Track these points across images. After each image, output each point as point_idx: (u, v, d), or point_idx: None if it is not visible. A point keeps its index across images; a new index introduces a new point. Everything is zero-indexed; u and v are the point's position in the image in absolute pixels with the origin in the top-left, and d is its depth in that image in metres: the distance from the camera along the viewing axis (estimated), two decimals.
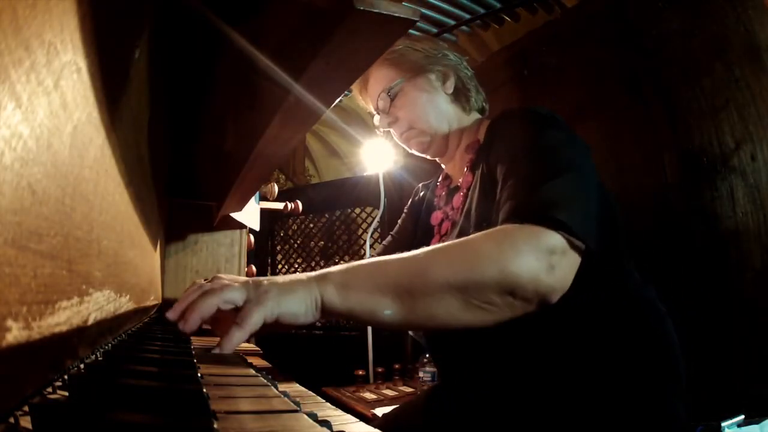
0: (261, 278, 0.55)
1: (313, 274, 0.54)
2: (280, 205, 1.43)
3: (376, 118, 0.88)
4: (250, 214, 1.23)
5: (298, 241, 2.38)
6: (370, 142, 1.92)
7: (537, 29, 1.47)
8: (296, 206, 1.46)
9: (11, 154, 0.21)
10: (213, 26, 0.58)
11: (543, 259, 0.51)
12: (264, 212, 1.39)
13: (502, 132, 0.71)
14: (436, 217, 0.87)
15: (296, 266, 2.35)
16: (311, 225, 2.35)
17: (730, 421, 0.55)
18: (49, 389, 0.28)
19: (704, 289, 0.96)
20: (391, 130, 0.87)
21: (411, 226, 0.96)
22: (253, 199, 1.20)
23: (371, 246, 1.91)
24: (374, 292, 0.52)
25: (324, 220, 2.32)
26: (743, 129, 0.96)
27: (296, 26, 0.46)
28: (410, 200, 1.01)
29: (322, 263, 2.31)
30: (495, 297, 0.51)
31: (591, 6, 1.28)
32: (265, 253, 2.39)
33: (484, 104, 0.90)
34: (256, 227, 1.32)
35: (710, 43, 1.01)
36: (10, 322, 0.21)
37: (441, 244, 0.56)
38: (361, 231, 2.23)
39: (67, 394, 0.28)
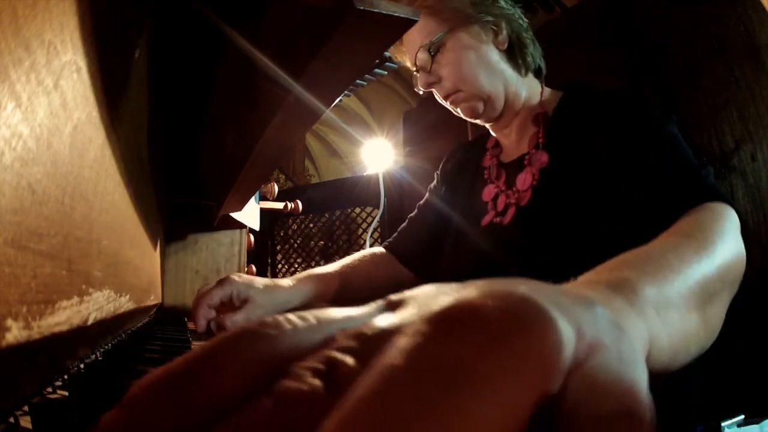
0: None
1: (586, 286, 0.26)
2: (280, 205, 1.43)
3: (416, 77, 0.75)
4: (250, 214, 1.23)
5: (298, 241, 2.38)
6: (370, 142, 1.92)
7: (537, 29, 1.47)
8: (296, 206, 1.46)
9: (11, 154, 0.21)
10: (213, 26, 0.58)
11: None
12: (264, 212, 1.39)
13: (609, 116, 0.63)
14: (489, 192, 0.74)
15: (296, 266, 2.36)
16: (311, 225, 2.35)
17: (730, 421, 0.55)
18: (49, 389, 0.28)
19: None
20: (434, 91, 0.74)
21: (438, 199, 0.85)
22: (253, 199, 1.20)
23: (371, 246, 1.91)
24: (688, 310, 0.31)
25: (324, 220, 2.32)
26: (743, 129, 0.96)
27: (296, 26, 0.46)
28: (442, 165, 0.89)
29: (322, 263, 2.31)
30: (736, 284, 0.42)
31: (591, 6, 1.28)
32: (265, 253, 2.39)
33: (540, 62, 0.76)
34: (256, 227, 1.32)
35: (710, 43, 1.01)
36: (10, 322, 0.21)
37: (690, 227, 0.43)
38: (361, 231, 2.23)
39: (67, 394, 0.28)
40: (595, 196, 0.60)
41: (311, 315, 0.14)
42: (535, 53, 0.75)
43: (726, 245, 0.42)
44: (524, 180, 0.68)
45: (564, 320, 0.12)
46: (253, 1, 0.55)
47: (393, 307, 0.16)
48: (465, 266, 0.71)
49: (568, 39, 1.37)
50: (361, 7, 0.34)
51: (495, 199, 0.73)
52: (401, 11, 0.36)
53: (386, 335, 0.12)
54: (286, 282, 0.73)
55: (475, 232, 0.72)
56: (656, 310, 0.26)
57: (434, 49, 0.70)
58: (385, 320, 0.13)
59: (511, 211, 0.68)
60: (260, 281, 0.70)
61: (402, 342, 0.11)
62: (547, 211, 0.64)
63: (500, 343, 0.10)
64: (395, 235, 0.89)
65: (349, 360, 0.12)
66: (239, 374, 0.12)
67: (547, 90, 0.75)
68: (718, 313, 0.37)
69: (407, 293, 0.16)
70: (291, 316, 0.14)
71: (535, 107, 0.73)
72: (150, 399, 0.12)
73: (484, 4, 0.71)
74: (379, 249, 0.88)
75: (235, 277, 0.68)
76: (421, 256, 0.83)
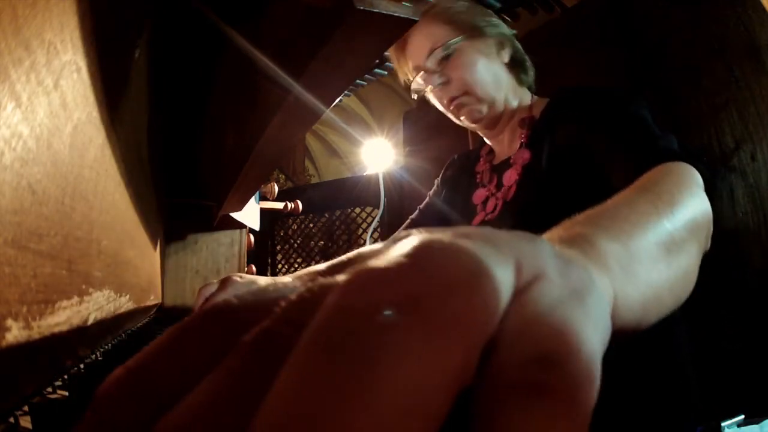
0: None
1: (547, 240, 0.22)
2: (280, 205, 1.43)
3: (417, 81, 0.79)
4: (250, 214, 1.23)
5: (298, 241, 2.38)
6: (370, 142, 1.92)
7: (537, 29, 1.47)
8: (296, 206, 1.46)
9: (11, 154, 0.21)
10: (213, 26, 0.58)
11: None
12: (264, 212, 1.39)
13: (582, 107, 0.67)
14: (479, 195, 0.80)
15: (296, 266, 2.36)
16: (311, 225, 2.35)
17: (730, 421, 0.54)
18: (49, 389, 0.28)
19: (703, 289, 0.96)
20: (432, 96, 0.79)
21: (438, 202, 0.89)
22: (253, 199, 1.20)
23: None
24: (655, 260, 0.29)
25: (324, 220, 2.32)
26: (743, 129, 0.96)
27: (296, 26, 0.46)
28: (442, 173, 0.94)
29: (321, 263, 2.30)
30: (704, 239, 0.42)
31: (591, 6, 1.28)
32: (265, 253, 2.39)
33: (532, 83, 0.83)
34: (256, 227, 1.32)
35: (710, 43, 1.01)
36: (10, 322, 0.21)
37: (649, 179, 0.44)
38: (361, 231, 2.23)
39: (67, 394, 0.28)
40: (572, 183, 0.63)
41: (258, 289, 0.14)
42: (530, 73, 0.82)
43: (685, 196, 0.41)
44: (509, 177, 0.74)
45: (498, 259, 0.11)
46: (253, 1, 0.55)
47: (342, 268, 0.15)
48: None
49: (568, 39, 1.37)
50: (361, 7, 0.34)
51: (485, 201, 0.78)
52: (401, 11, 0.36)
53: (318, 301, 0.11)
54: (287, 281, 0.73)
55: None
56: (618, 262, 0.24)
57: (450, 52, 0.75)
58: (320, 284, 0.12)
59: (498, 206, 0.74)
60: (262, 281, 0.69)
61: (316, 319, 0.10)
62: (529, 202, 0.68)
63: (414, 306, 0.09)
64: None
65: (285, 329, 0.11)
66: (197, 357, 0.12)
67: (537, 98, 0.80)
68: (688, 264, 0.36)
69: (357, 252, 0.15)
70: (240, 294, 0.14)
71: (523, 112, 0.78)
72: (115, 397, 0.12)
73: (492, 23, 0.79)
74: None
75: (236, 277, 0.68)
76: None
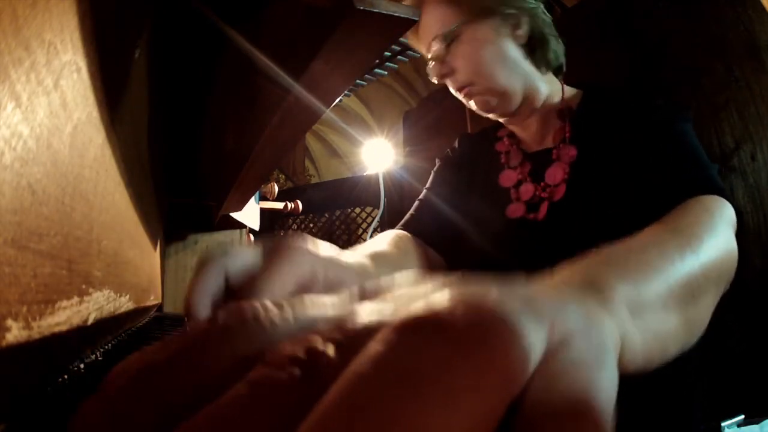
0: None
1: (557, 283, 0.25)
2: (280, 205, 1.43)
3: (428, 68, 0.73)
4: (250, 214, 1.23)
5: None
6: (370, 142, 1.92)
7: None
8: (296, 206, 1.46)
9: (11, 154, 0.21)
10: (213, 26, 0.58)
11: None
12: (264, 212, 1.39)
13: (630, 115, 0.64)
14: (509, 177, 0.71)
15: None
16: (311, 225, 2.35)
17: (730, 421, 0.55)
18: (49, 389, 0.28)
19: None
20: (448, 82, 0.72)
21: (449, 185, 0.79)
22: (253, 198, 1.20)
23: None
24: (667, 310, 0.30)
25: (324, 220, 2.32)
26: (743, 129, 0.96)
27: (296, 26, 0.46)
28: (451, 149, 0.84)
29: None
30: (725, 284, 0.43)
31: (591, 6, 1.28)
32: None
33: (562, 60, 0.74)
34: (256, 227, 1.32)
35: (710, 43, 1.01)
36: (10, 322, 0.21)
37: (676, 223, 0.44)
38: (361, 231, 2.23)
39: (67, 394, 0.28)
40: (623, 191, 0.60)
41: (288, 305, 0.14)
42: (558, 50, 0.73)
43: (713, 241, 0.41)
44: (555, 174, 0.66)
45: (535, 323, 0.12)
46: (253, 1, 0.55)
47: (367, 297, 0.16)
48: (492, 258, 0.68)
49: (568, 39, 1.37)
50: (361, 8, 0.34)
51: (517, 186, 0.70)
52: (401, 11, 0.36)
53: (367, 331, 0.12)
54: (362, 259, 0.47)
55: (501, 223, 0.69)
56: (630, 310, 0.25)
57: (449, 40, 0.67)
58: (366, 314, 0.13)
59: (544, 207, 0.66)
60: (346, 255, 0.39)
61: (371, 349, 0.11)
62: (583, 205, 0.62)
63: (463, 355, 0.11)
64: (408, 218, 0.78)
65: (330, 351, 0.12)
66: (218, 365, 0.12)
67: (567, 87, 0.74)
68: (702, 311, 0.37)
69: (382, 284, 0.16)
70: (269, 306, 0.14)
71: (557, 104, 0.71)
72: (128, 388, 0.12)
73: (503, 1, 0.69)
74: (401, 233, 0.72)
75: (305, 245, 0.31)
76: (445, 234, 0.75)
